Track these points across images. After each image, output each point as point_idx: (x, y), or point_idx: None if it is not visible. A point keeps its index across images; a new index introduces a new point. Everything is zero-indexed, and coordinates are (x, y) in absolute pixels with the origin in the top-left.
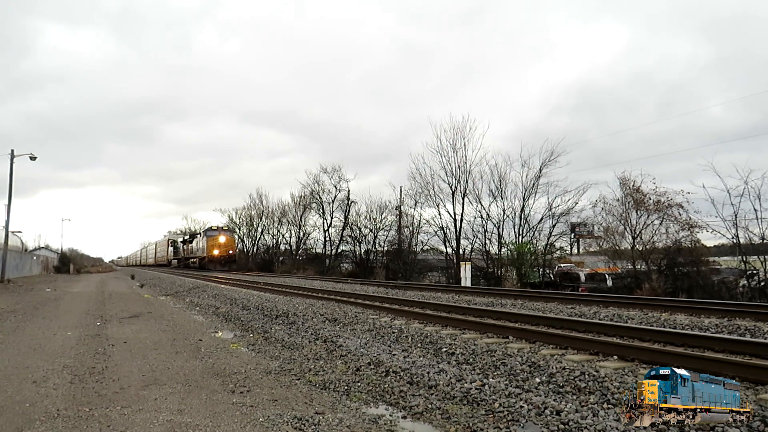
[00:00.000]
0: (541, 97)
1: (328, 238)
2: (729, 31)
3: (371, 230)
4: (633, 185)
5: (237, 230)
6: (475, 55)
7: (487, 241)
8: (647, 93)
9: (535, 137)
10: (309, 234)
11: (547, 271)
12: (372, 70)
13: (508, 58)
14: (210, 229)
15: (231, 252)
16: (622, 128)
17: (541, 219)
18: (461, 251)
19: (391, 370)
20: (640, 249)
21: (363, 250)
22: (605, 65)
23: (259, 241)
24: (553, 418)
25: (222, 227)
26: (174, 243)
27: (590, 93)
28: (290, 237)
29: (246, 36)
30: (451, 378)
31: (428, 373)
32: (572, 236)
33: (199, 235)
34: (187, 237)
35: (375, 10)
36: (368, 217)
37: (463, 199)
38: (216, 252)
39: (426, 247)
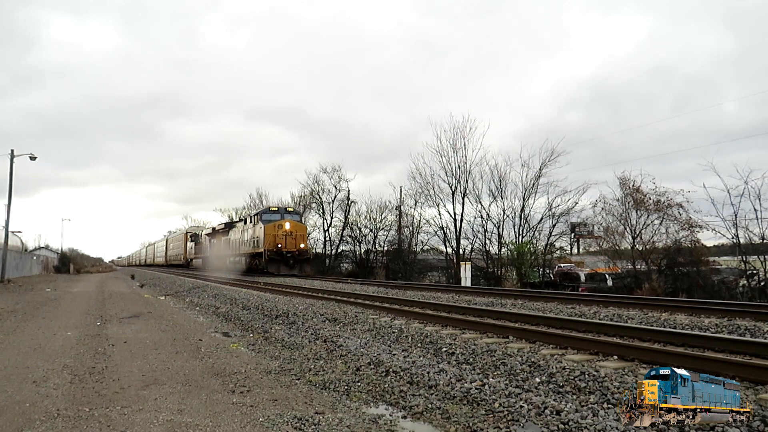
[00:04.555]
0: (555, 93)
1: (328, 238)
2: (754, 22)
3: (371, 230)
4: (633, 185)
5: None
6: (490, 49)
7: (487, 241)
8: (665, 88)
9: (547, 134)
10: (309, 234)
11: (547, 271)
12: (382, 65)
13: (523, 52)
14: (268, 210)
15: (302, 246)
16: (636, 124)
17: (541, 219)
18: (461, 251)
19: (391, 369)
20: (640, 249)
21: (363, 250)
22: (623, 58)
23: None
24: (553, 417)
25: (287, 208)
26: (195, 237)
27: (606, 88)
28: None
29: (255, 29)
30: (451, 378)
31: (428, 372)
32: (572, 236)
33: (245, 222)
34: (219, 226)
35: (389, 2)
36: (368, 217)
37: (463, 199)
38: (281, 245)
39: (426, 247)
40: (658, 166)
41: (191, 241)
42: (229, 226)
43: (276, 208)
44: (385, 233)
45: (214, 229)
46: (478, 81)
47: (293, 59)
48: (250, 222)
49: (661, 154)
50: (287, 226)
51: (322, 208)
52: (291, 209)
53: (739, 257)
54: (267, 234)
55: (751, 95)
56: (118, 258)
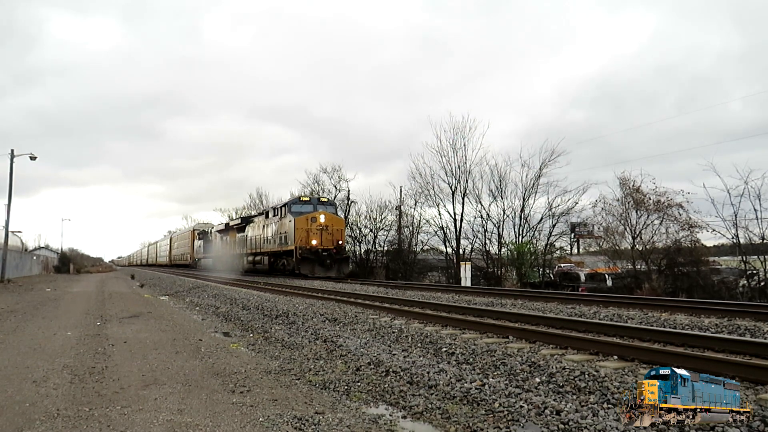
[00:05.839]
0: (559, 92)
1: None
2: (761, 19)
3: (371, 230)
4: (633, 185)
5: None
6: (494, 48)
7: (487, 241)
8: (670, 86)
9: (550, 133)
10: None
11: (547, 271)
12: (385, 64)
13: (527, 51)
14: (298, 200)
15: (340, 242)
16: (640, 124)
17: (541, 219)
18: (461, 251)
19: (391, 369)
20: (640, 249)
21: (363, 250)
22: (629, 56)
23: None
24: (553, 417)
25: (320, 198)
26: (203, 235)
27: (610, 86)
28: None
29: (257, 27)
30: (451, 378)
31: (428, 372)
32: (572, 236)
33: (267, 216)
34: (234, 221)
35: (393, 1)
36: (368, 217)
37: (463, 198)
38: (315, 242)
39: (426, 247)
40: (659, 166)
41: (199, 239)
42: (246, 221)
43: (308, 198)
44: (385, 233)
45: (227, 224)
46: (482, 80)
47: (295, 58)
48: (275, 215)
49: (664, 153)
50: (322, 218)
51: None
52: (325, 199)
53: (739, 257)
54: (298, 228)
55: (756, 94)
56: (119, 258)
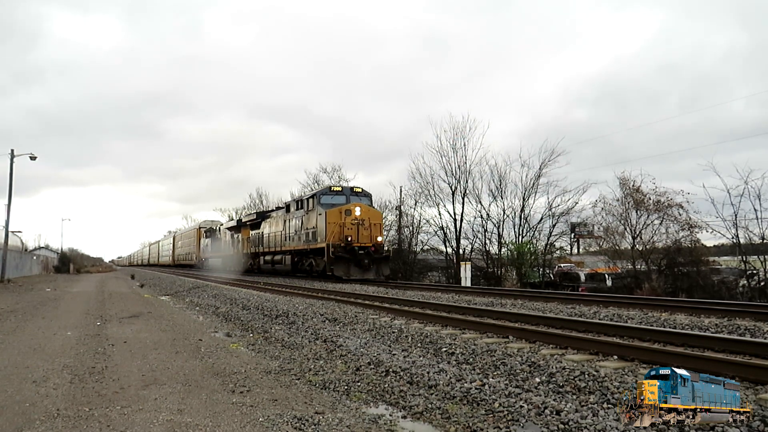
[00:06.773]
0: (562, 90)
1: None
2: (766, 18)
3: None
4: (633, 185)
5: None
6: (497, 47)
7: (487, 241)
8: (674, 85)
9: (553, 133)
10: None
11: (547, 271)
12: (387, 63)
13: (530, 49)
14: (328, 191)
15: (379, 239)
16: (642, 123)
17: (541, 219)
18: (461, 251)
19: (391, 369)
20: (640, 249)
21: None
22: (633, 55)
23: None
24: (553, 417)
25: (353, 188)
26: (210, 232)
27: (614, 85)
28: None
29: (258, 25)
30: (451, 378)
31: (428, 372)
32: (572, 236)
33: (288, 210)
34: (248, 217)
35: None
36: None
37: (463, 198)
38: (351, 238)
39: (426, 247)
40: (660, 166)
41: (206, 237)
42: (263, 216)
43: (339, 188)
44: (385, 233)
45: (239, 221)
46: (484, 79)
47: (297, 57)
48: (299, 208)
49: (665, 153)
50: (357, 211)
51: None
52: (359, 189)
53: (739, 257)
54: (330, 223)
55: (759, 93)
56: (119, 258)
